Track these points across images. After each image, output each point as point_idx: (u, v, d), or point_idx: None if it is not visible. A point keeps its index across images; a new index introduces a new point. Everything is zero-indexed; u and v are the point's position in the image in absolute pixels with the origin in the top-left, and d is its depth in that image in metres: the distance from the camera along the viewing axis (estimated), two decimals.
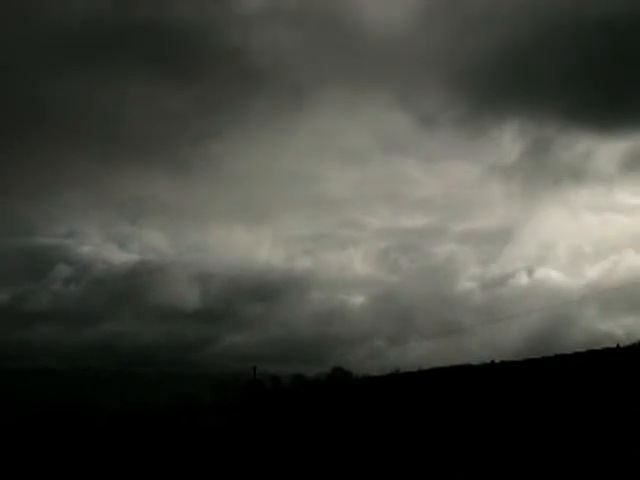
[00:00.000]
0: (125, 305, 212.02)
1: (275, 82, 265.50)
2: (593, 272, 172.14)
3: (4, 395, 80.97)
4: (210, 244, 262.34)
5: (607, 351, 34.58)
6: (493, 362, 39.30)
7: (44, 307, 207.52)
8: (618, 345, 35.04)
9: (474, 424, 25.51)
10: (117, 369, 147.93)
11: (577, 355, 35.62)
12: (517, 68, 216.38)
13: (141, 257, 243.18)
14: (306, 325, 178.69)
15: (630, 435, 19.96)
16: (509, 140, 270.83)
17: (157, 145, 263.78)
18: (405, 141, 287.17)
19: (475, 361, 42.22)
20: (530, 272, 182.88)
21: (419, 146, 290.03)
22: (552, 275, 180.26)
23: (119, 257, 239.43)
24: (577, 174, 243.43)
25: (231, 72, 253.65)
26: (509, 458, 20.23)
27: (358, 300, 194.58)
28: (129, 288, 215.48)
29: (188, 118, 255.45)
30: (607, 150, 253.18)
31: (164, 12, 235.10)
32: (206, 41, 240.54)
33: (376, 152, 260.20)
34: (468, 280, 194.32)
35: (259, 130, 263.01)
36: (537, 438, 21.75)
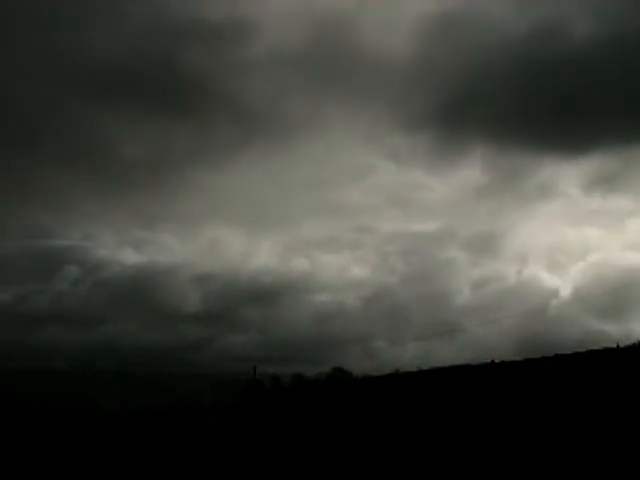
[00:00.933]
0: (128, 306, 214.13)
1: (273, 118, 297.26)
2: (572, 273, 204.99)
3: (4, 395, 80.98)
4: (221, 249, 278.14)
5: (607, 351, 34.60)
6: (493, 362, 39.30)
7: (48, 308, 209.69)
8: (618, 345, 35.07)
9: (474, 424, 25.51)
10: (117, 369, 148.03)
11: (577, 355, 35.62)
12: (483, 105, 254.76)
13: (148, 261, 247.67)
14: (307, 326, 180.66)
15: (630, 435, 19.97)
16: (480, 165, 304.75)
17: (171, 164, 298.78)
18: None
19: (467, 360, 42.64)
20: (519, 273, 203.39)
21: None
22: (539, 277, 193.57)
23: (128, 260, 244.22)
24: (546, 192, 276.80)
25: (239, 108, 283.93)
26: (509, 458, 20.23)
27: (362, 302, 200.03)
28: (134, 290, 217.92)
29: (198, 145, 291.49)
30: (570, 172, 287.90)
31: (175, 57, 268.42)
32: (216, 83, 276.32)
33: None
34: (463, 282, 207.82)
35: (266, 154, 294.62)
36: (537, 438, 21.75)
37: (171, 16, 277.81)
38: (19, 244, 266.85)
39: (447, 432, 25.08)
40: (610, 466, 17.69)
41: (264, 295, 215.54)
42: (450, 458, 21.44)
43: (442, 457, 21.75)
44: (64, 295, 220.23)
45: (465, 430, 24.82)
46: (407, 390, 37.16)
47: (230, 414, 42.03)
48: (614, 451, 18.73)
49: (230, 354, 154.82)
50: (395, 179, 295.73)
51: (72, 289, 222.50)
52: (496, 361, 39.38)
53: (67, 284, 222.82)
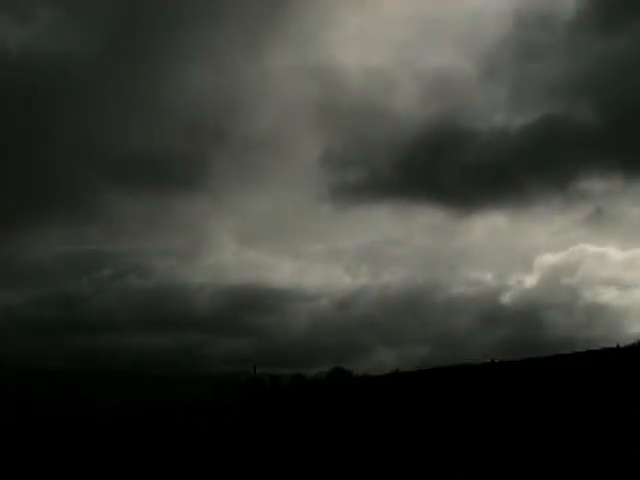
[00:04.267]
0: (137, 311, 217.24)
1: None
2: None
3: (4, 395, 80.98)
4: (264, 263, 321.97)
5: (607, 351, 34.65)
6: (493, 362, 39.32)
7: (59, 311, 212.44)
8: (618, 345, 35.13)
9: (474, 424, 25.50)
10: (119, 370, 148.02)
11: (577, 355, 35.69)
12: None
13: (168, 270, 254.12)
14: (307, 329, 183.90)
15: (630, 435, 19.97)
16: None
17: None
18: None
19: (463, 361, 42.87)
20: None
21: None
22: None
23: (153, 269, 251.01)
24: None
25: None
26: (509, 458, 20.23)
27: (368, 305, 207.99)
28: (147, 297, 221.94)
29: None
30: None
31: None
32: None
33: None
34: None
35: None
36: (537, 438, 21.75)
37: (197, 120, 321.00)
38: (56, 250, 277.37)
39: (447, 432, 25.07)
40: (610, 466, 17.69)
41: (268, 300, 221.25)
42: (450, 458, 21.43)
43: (442, 457, 21.74)
44: (78, 299, 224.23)
45: (465, 430, 24.81)
46: (407, 390, 37.14)
47: (230, 414, 41.98)
48: (614, 451, 18.73)
49: (230, 355, 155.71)
50: None
51: (91, 294, 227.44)
52: (496, 361, 39.42)
53: (88, 289, 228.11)
